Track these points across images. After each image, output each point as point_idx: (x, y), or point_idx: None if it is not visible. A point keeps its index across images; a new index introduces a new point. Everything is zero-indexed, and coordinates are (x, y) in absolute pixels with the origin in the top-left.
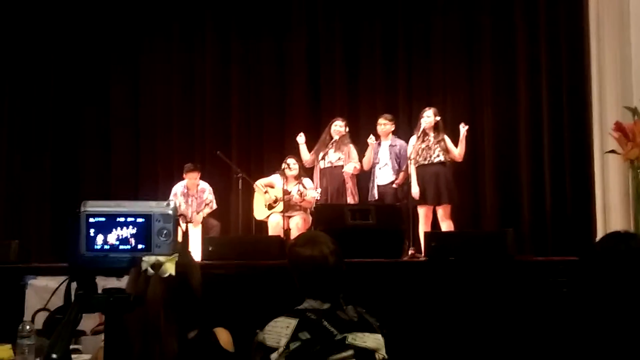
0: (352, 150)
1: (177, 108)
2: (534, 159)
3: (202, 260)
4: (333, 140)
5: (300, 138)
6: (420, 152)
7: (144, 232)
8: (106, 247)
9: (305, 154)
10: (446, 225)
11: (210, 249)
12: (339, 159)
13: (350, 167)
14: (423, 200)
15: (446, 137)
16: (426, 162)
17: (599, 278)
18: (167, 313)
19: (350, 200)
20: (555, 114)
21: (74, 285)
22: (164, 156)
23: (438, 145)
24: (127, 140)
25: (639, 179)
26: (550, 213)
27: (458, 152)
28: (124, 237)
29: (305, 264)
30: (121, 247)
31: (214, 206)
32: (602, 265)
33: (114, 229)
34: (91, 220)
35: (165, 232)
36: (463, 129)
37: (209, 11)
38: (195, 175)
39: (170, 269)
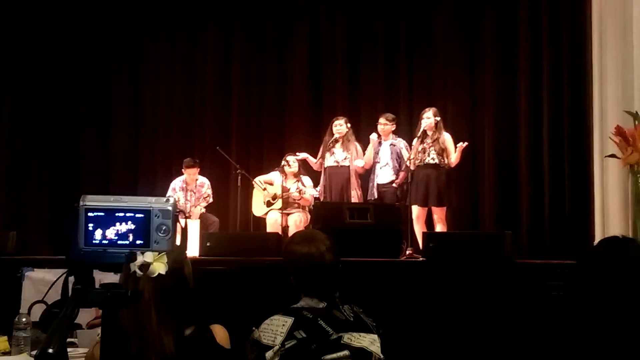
0: (358, 148)
1: (177, 103)
2: (533, 161)
3: (200, 256)
4: (333, 139)
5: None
6: (417, 154)
7: (143, 228)
8: (104, 242)
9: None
10: (439, 228)
11: (208, 244)
12: (345, 158)
13: (360, 162)
14: (414, 201)
15: (447, 137)
16: (421, 164)
17: (595, 283)
18: (160, 311)
19: (354, 196)
20: (555, 116)
21: (71, 279)
22: (163, 151)
23: (433, 146)
24: (127, 135)
25: (638, 183)
26: (549, 216)
27: (453, 159)
28: (122, 232)
29: (301, 262)
30: (120, 242)
31: (210, 200)
32: (599, 270)
33: (112, 224)
34: (90, 214)
35: (164, 228)
36: (462, 144)
37: (211, 6)
38: (194, 170)
39: (159, 268)
